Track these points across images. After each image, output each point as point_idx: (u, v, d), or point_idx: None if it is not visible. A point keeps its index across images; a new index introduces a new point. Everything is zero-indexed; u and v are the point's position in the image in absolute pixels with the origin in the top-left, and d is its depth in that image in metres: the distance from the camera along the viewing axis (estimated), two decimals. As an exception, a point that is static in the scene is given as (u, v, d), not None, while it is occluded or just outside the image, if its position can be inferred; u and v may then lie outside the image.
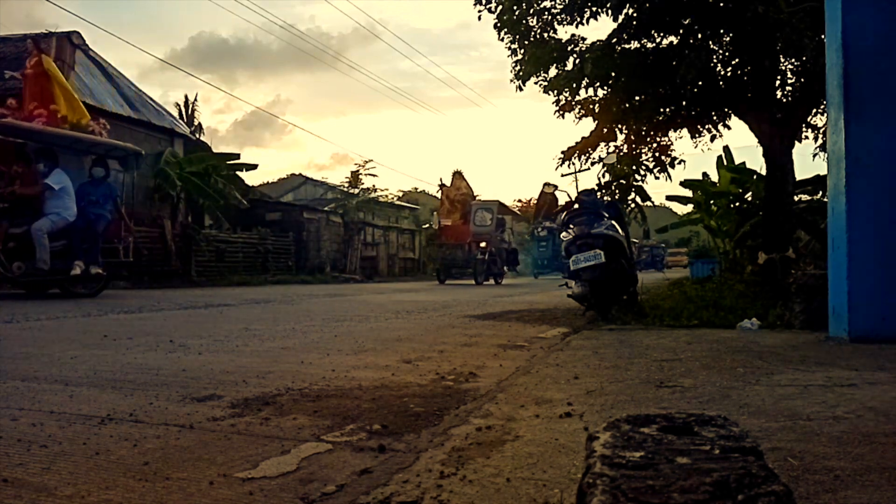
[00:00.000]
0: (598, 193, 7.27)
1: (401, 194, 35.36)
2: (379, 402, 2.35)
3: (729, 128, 10.51)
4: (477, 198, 22.66)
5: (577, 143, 10.07)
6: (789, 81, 9.11)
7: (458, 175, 21.54)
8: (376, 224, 28.16)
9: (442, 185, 22.37)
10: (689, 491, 0.80)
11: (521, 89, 9.48)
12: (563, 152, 10.16)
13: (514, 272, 23.94)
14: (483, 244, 17.55)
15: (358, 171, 25.86)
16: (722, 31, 8.27)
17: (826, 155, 4.22)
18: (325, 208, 25.74)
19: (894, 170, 3.65)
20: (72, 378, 2.77)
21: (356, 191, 25.79)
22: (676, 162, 10.27)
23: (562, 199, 7.04)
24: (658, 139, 10.20)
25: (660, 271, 36.53)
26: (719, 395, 2.30)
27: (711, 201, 12.83)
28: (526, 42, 8.96)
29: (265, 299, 9.27)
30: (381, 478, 1.49)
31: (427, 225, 32.38)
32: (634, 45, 8.64)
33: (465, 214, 20.45)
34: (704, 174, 13.16)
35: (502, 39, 9.12)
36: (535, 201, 30.08)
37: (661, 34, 8.57)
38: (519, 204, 48.25)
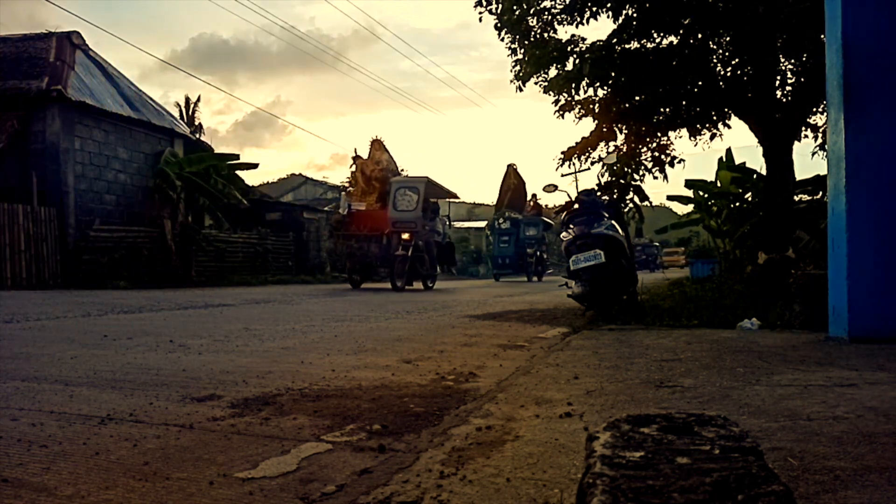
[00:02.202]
0: (598, 193, 7.26)
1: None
2: (379, 402, 2.35)
3: (729, 127, 10.53)
4: (403, 173, 17.51)
5: (576, 143, 10.06)
6: (789, 81, 9.11)
7: (377, 144, 16.79)
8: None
9: (356, 158, 17.60)
10: (689, 491, 0.80)
11: (521, 90, 9.48)
12: (562, 152, 10.15)
13: (451, 273, 19.22)
14: (406, 236, 12.88)
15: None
16: (722, 31, 8.27)
17: (826, 155, 4.22)
18: (325, 208, 25.71)
19: (894, 170, 3.65)
20: (72, 378, 2.77)
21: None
22: (676, 161, 10.27)
23: (562, 199, 7.05)
24: (658, 139, 10.20)
25: (652, 272, 33.36)
26: (719, 395, 2.30)
27: (711, 201, 12.82)
28: (526, 42, 8.96)
29: (265, 299, 9.27)
30: (381, 478, 1.49)
31: (332, 207, 23.67)
32: (634, 45, 8.64)
33: (382, 196, 15.99)
34: (712, 181, 13.12)
35: (502, 40, 9.13)
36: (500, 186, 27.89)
37: (661, 34, 8.58)
38: None
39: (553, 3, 8.70)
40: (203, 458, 1.66)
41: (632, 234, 6.92)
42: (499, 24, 8.94)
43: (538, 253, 21.51)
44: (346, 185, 22.23)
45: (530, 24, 8.85)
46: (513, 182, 27.70)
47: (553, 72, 9.12)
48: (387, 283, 14.03)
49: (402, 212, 13.39)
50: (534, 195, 26.01)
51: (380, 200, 16.27)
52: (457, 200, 29.77)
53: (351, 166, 18.82)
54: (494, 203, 28.69)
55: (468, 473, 1.49)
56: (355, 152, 17.88)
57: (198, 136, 28.25)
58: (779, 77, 8.94)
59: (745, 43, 8.12)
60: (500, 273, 22.14)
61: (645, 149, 10.28)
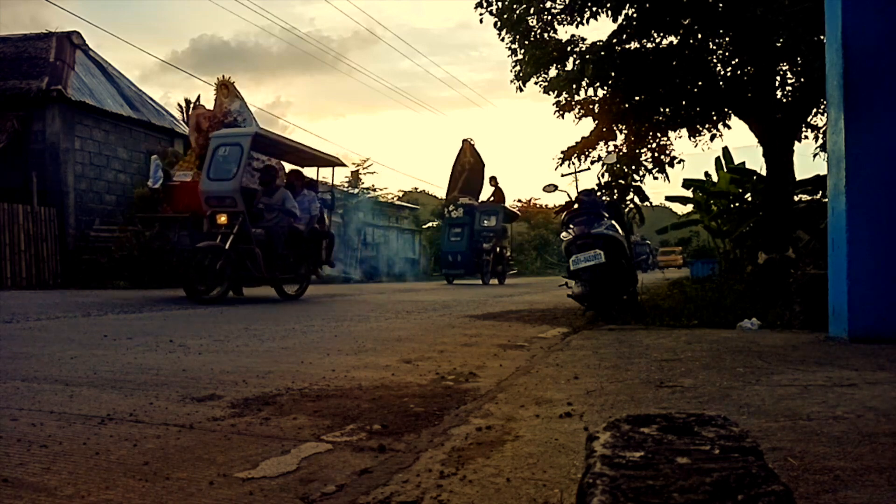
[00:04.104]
0: (598, 193, 7.26)
1: (401, 194, 35.28)
2: (379, 402, 2.35)
3: (729, 128, 10.54)
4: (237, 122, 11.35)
5: (576, 143, 10.07)
6: (789, 81, 9.11)
7: (224, 88, 11.70)
8: (376, 224, 28.15)
9: (195, 108, 12.48)
10: (689, 491, 0.80)
11: (521, 90, 9.49)
12: (562, 152, 10.16)
13: (330, 266, 12.10)
14: (221, 218, 8.32)
15: (357, 170, 25.80)
16: (721, 31, 8.28)
17: (826, 155, 4.22)
18: (325, 208, 25.68)
19: (894, 170, 3.65)
20: (72, 378, 2.77)
21: (356, 191, 25.75)
22: (676, 162, 10.28)
23: (562, 199, 7.03)
24: (658, 139, 10.21)
25: (645, 272, 29.10)
26: (719, 395, 2.30)
27: (711, 201, 12.82)
28: (526, 42, 8.97)
29: (265, 299, 9.27)
30: (381, 478, 1.49)
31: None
32: (634, 45, 8.65)
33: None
34: (707, 174, 13.13)
35: (502, 40, 9.14)
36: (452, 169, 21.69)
37: (661, 34, 8.58)
38: (518, 205, 45.76)
39: (553, 3, 8.71)
40: (203, 458, 1.66)
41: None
42: (499, 24, 8.95)
43: (498, 249, 17.34)
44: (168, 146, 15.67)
45: (530, 24, 8.86)
46: (468, 161, 21.80)
47: (553, 72, 9.14)
48: (268, 290, 10.12)
49: (217, 181, 8.47)
50: (493, 178, 19.40)
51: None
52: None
53: (189, 116, 11.97)
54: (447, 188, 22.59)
55: (468, 473, 1.49)
56: (196, 102, 12.12)
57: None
58: (779, 77, 8.95)
59: (745, 44, 8.13)
60: (452, 273, 17.73)
61: (645, 149, 10.29)
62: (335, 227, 25.20)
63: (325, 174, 11.09)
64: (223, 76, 11.85)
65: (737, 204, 12.15)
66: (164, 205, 10.78)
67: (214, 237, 8.23)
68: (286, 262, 9.17)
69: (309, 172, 10.71)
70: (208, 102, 16.56)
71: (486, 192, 19.73)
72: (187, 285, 7.81)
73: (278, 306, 7.97)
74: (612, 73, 8.51)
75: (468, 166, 21.80)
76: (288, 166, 11.04)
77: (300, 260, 9.56)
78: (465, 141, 22.17)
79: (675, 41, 8.51)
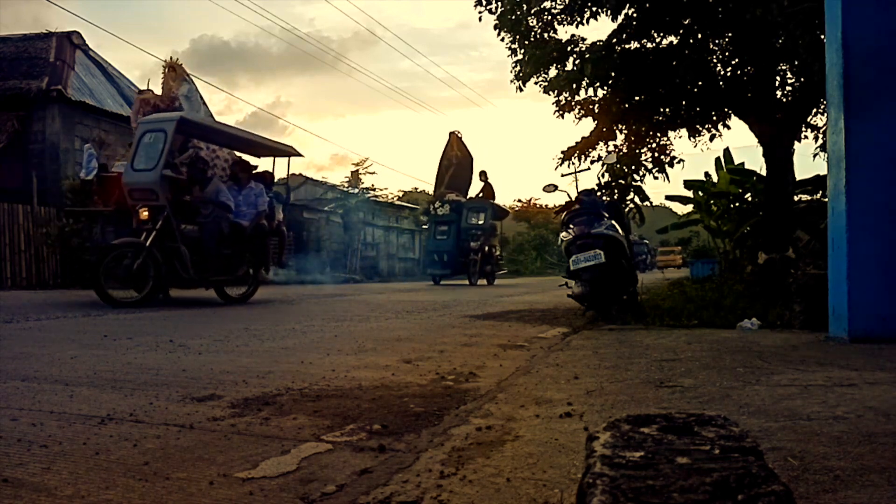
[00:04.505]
0: (598, 193, 7.27)
1: (401, 194, 35.27)
2: (379, 402, 2.35)
3: (729, 128, 10.53)
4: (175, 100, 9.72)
5: (576, 143, 10.07)
6: (789, 81, 9.11)
7: (172, 71, 10.23)
8: (376, 224, 28.15)
9: (140, 94, 10.55)
10: (689, 491, 0.80)
11: (521, 90, 9.49)
12: (562, 152, 10.16)
13: (281, 267, 10.92)
14: (144, 213, 7.60)
15: (357, 170, 25.80)
16: (721, 32, 8.28)
17: (826, 155, 4.22)
18: (325, 208, 25.73)
19: (894, 170, 3.65)
20: (72, 378, 2.77)
21: (356, 191, 25.73)
22: (675, 161, 10.28)
23: (562, 199, 7.03)
24: (658, 139, 10.21)
25: (643, 273, 26.31)
26: (719, 395, 2.30)
27: (711, 201, 12.83)
28: (526, 42, 8.97)
29: (265, 299, 9.27)
30: (381, 478, 1.49)
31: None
32: (634, 45, 8.65)
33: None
34: (707, 174, 13.14)
35: (502, 40, 9.14)
36: (442, 166, 19.37)
37: (661, 34, 8.58)
38: (518, 205, 44.93)
39: (553, 3, 8.71)
40: (203, 458, 1.66)
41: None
42: (499, 24, 8.95)
43: (486, 248, 16.57)
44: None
45: (530, 24, 8.86)
46: (455, 154, 20.15)
47: (553, 72, 9.14)
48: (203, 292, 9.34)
49: (141, 172, 7.72)
50: (483, 172, 18.46)
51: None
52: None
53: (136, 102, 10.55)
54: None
55: (468, 473, 1.49)
56: (146, 87, 10.85)
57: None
58: (779, 77, 8.95)
59: (744, 45, 8.13)
60: (438, 273, 16.91)
61: (645, 149, 10.29)
62: (336, 226, 25.24)
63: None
64: (171, 57, 10.47)
65: (737, 204, 12.15)
66: (95, 198, 9.28)
67: (140, 234, 7.50)
68: (222, 261, 8.33)
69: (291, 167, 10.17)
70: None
71: (476, 188, 18.73)
72: (96, 286, 7.16)
73: (221, 310, 7.30)
74: (612, 73, 8.51)
75: (455, 160, 20.11)
76: (266, 161, 10.14)
77: (241, 260, 8.65)
78: (451, 133, 20.48)
79: (675, 41, 8.51)
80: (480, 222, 16.68)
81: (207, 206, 8.26)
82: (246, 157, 9.78)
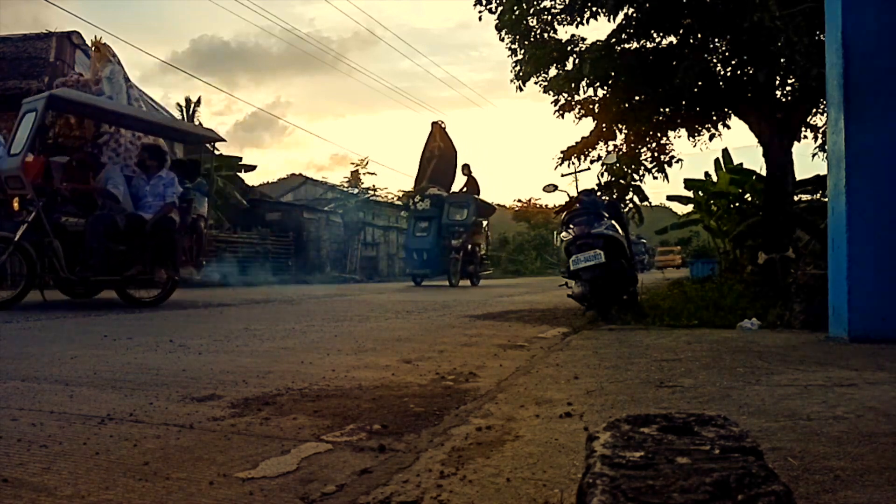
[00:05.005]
0: (598, 193, 7.27)
1: (401, 194, 35.24)
2: (379, 402, 2.35)
3: (729, 128, 10.52)
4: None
5: (576, 142, 10.08)
6: (789, 81, 9.11)
7: (99, 52, 9.01)
8: (376, 224, 28.16)
9: (70, 75, 9.92)
10: (689, 491, 0.80)
11: (521, 89, 9.48)
12: (562, 152, 10.16)
13: (197, 267, 8.42)
14: (15, 203, 6.98)
15: (357, 170, 25.80)
16: (721, 34, 8.28)
17: (826, 155, 4.22)
18: (325, 208, 25.74)
19: (894, 170, 3.65)
20: (72, 378, 2.77)
21: (356, 191, 25.73)
22: (674, 161, 10.28)
23: (562, 199, 7.03)
24: (658, 139, 10.21)
25: (641, 273, 26.00)
26: (719, 395, 2.30)
27: (711, 201, 12.84)
28: (526, 42, 8.96)
29: (265, 299, 9.27)
30: (381, 478, 1.49)
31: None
32: (634, 45, 8.65)
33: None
34: (707, 174, 13.15)
35: (502, 40, 9.13)
36: (461, 183, 17.61)
37: (661, 34, 8.58)
38: (518, 205, 44.19)
39: (553, 3, 8.71)
40: (203, 458, 1.66)
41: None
42: (498, 24, 8.94)
43: (469, 246, 15.35)
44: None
45: (530, 24, 8.86)
46: (438, 146, 18.57)
47: (553, 72, 9.13)
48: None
49: (14, 157, 6.94)
50: (466, 165, 17.32)
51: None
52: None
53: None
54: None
55: (468, 473, 1.49)
56: (72, 72, 9.82)
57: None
58: (779, 77, 8.94)
59: (743, 49, 8.13)
60: (418, 273, 15.92)
61: (645, 149, 10.29)
62: (336, 226, 25.22)
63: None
64: (96, 37, 9.32)
65: (737, 204, 12.16)
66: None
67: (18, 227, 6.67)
68: (113, 259, 7.23)
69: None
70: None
71: (460, 183, 17.60)
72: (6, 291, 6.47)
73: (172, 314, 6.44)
74: (612, 73, 8.51)
75: (437, 152, 18.47)
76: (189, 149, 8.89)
77: (135, 258, 7.43)
78: (434, 124, 18.88)
79: (675, 41, 8.51)
80: (462, 218, 15.56)
81: (102, 196, 7.44)
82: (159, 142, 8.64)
